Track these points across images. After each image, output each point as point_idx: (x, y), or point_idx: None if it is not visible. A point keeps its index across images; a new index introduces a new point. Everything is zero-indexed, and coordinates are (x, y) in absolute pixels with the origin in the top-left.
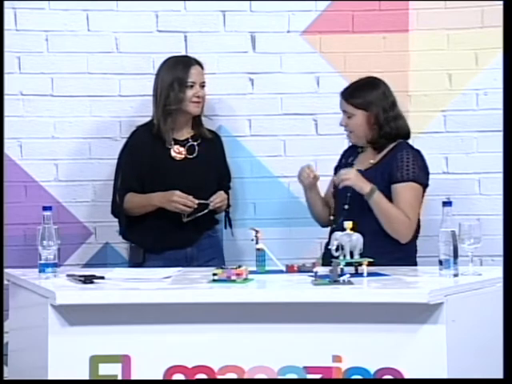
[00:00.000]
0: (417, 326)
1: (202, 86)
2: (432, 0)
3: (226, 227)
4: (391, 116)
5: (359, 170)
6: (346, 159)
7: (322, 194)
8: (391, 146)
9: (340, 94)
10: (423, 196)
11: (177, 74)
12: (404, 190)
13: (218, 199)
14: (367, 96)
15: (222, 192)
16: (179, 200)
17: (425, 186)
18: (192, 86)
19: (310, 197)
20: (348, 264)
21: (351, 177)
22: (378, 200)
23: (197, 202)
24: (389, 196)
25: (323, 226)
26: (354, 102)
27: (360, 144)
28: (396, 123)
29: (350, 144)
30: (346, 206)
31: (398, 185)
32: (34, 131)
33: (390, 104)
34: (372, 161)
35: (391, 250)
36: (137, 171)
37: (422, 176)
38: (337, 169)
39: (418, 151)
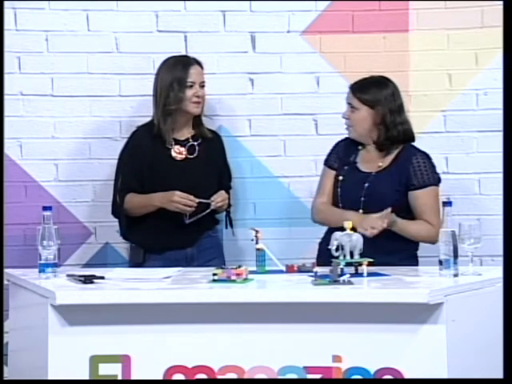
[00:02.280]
0: (417, 326)
1: (202, 85)
2: (432, 0)
3: (226, 227)
4: (399, 120)
5: (368, 174)
6: (346, 156)
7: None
8: (399, 149)
9: (349, 86)
10: None
11: (176, 73)
12: (425, 196)
13: (219, 198)
14: (375, 94)
15: (222, 191)
16: (180, 200)
17: (439, 184)
18: (192, 86)
19: None
20: (348, 264)
21: (376, 230)
22: (402, 226)
23: (197, 200)
24: (405, 200)
25: None
26: (361, 97)
27: (358, 140)
28: (403, 127)
29: (345, 137)
30: (361, 211)
31: (418, 191)
32: (34, 131)
33: (398, 107)
34: (381, 163)
35: (399, 249)
36: (137, 171)
37: (436, 178)
38: (329, 160)
39: (426, 154)
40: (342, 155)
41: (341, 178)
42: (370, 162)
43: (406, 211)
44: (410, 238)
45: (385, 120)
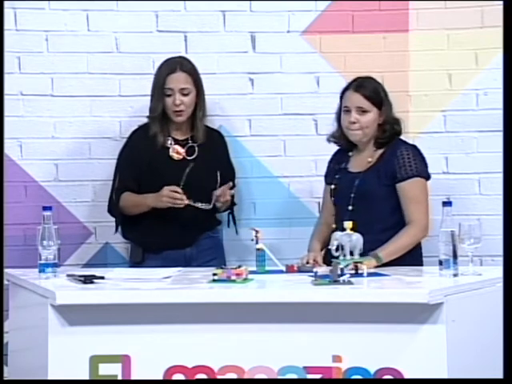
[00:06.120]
0: (417, 326)
1: (184, 93)
2: (432, 0)
3: (228, 225)
4: (393, 116)
5: (357, 173)
6: (338, 165)
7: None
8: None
9: (352, 89)
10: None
11: (158, 80)
12: (410, 188)
13: (218, 192)
14: (378, 94)
15: (222, 188)
16: (168, 193)
17: (427, 178)
18: (170, 95)
19: None
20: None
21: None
22: (387, 255)
23: (187, 202)
24: (394, 194)
25: None
26: (373, 99)
27: (363, 142)
28: (394, 124)
29: (337, 149)
30: (350, 207)
31: (403, 183)
32: (34, 131)
33: (391, 104)
34: (370, 159)
35: None
36: (134, 171)
37: (423, 170)
38: (327, 177)
39: (414, 146)
40: (336, 167)
41: (333, 186)
42: (360, 162)
43: (399, 207)
44: (405, 250)
45: (387, 118)
